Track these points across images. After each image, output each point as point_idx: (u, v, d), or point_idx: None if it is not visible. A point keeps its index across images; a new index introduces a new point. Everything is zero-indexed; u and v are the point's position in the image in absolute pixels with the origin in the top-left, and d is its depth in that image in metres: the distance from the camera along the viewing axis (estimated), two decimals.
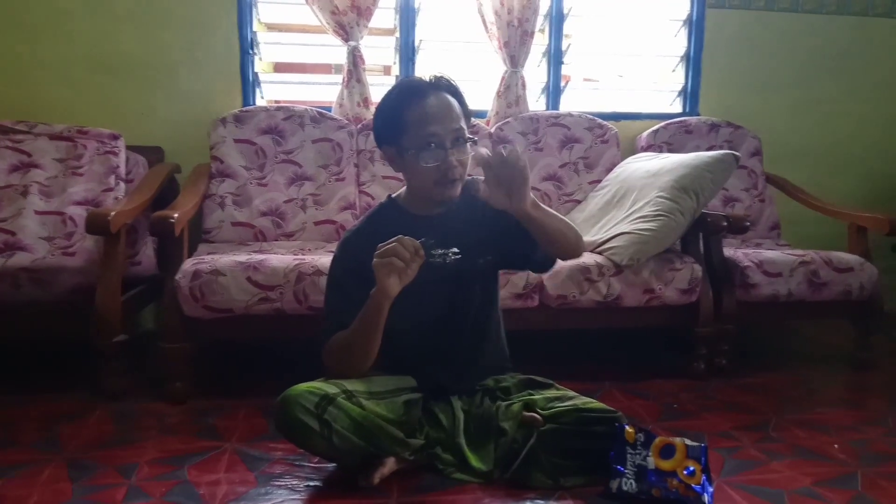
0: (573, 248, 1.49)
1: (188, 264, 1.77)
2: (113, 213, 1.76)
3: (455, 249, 1.32)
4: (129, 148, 2.31)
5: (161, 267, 2.22)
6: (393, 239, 1.28)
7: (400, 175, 2.33)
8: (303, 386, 1.30)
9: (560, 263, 1.88)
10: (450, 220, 1.48)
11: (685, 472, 1.30)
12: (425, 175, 1.39)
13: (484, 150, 1.33)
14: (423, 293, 1.39)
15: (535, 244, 1.47)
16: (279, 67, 2.74)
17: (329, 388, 1.30)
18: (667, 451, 1.33)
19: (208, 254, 1.94)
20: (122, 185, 2.20)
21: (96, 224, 1.75)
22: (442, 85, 1.40)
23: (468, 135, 1.40)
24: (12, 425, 1.65)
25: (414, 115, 1.37)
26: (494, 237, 1.50)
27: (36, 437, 1.59)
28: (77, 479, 1.38)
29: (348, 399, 1.30)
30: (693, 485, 1.28)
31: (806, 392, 2.03)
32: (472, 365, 1.55)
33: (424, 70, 2.62)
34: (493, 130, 2.56)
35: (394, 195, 1.56)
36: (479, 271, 1.52)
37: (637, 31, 2.84)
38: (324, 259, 1.81)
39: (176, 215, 1.79)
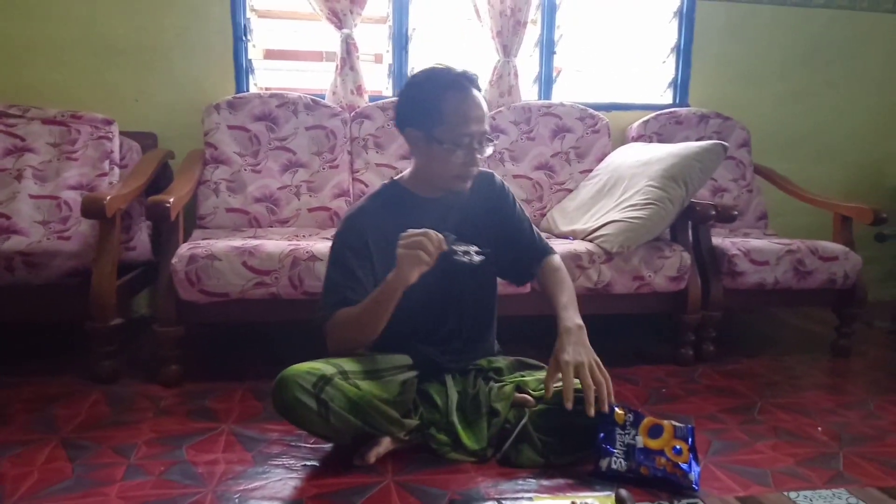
0: None
1: (184, 249, 1.78)
2: (109, 198, 1.77)
3: (477, 248, 1.35)
4: (123, 133, 2.31)
5: (156, 252, 2.22)
6: (419, 231, 1.29)
7: (393, 164, 2.42)
8: (300, 366, 1.32)
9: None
10: (453, 205, 1.52)
11: (673, 451, 1.33)
12: (449, 167, 1.42)
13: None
14: (425, 275, 1.43)
15: (520, 259, 1.57)
16: (269, 55, 2.74)
17: (326, 368, 1.33)
18: (655, 431, 1.37)
19: (203, 239, 1.94)
20: (117, 170, 2.20)
21: (92, 208, 1.75)
22: (475, 82, 1.43)
23: (489, 136, 1.45)
24: (7, 407, 1.66)
25: (454, 109, 1.39)
26: (493, 233, 1.55)
27: (31, 419, 1.60)
28: (75, 459, 1.40)
29: (345, 379, 1.33)
30: (680, 463, 1.32)
31: (789, 377, 2.07)
32: (469, 346, 1.58)
33: (418, 58, 2.67)
34: None
35: (396, 177, 1.57)
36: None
37: (629, 22, 2.86)
38: (319, 245, 1.83)
39: (171, 200, 1.80)
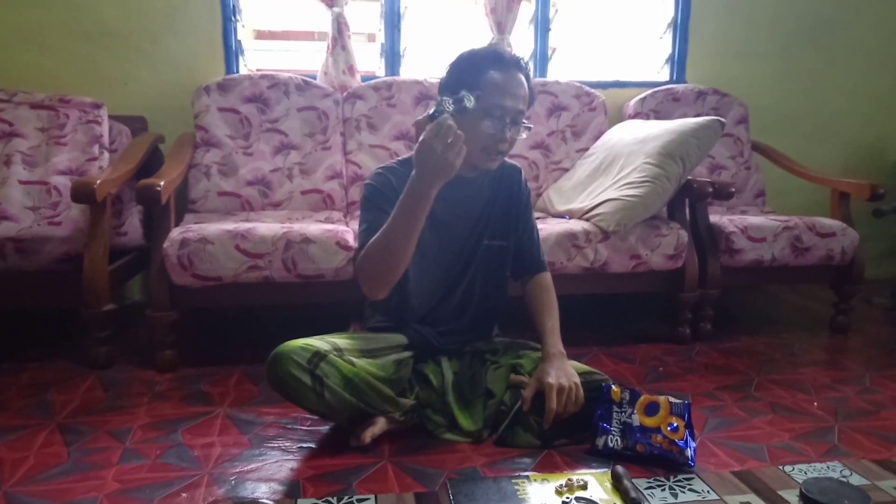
0: None
1: (176, 233, 1.76)
2: (98, 182, 1.75)
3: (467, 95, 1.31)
4: (112, 117, 2.28)
5: (147, 238, 2.21)
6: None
7: (386, 144, 2.40)
8: (295, 342, 1.31)
9: (548, 231, 1.92)
10: (479, 186, 1.53)
11: (669, 429, 1.33)
12: (478, 138, 1.41)
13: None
14: (436, 258, 1.47)
15: (522, 257, 1.60)
16: (260, 35, 2.70)
17: (321, 344, 1.32)
18: (651, 409, 1.37)
19: (195, 223, 1.93)
20: (106, 154, 2.18)
21: (82, 193, 1.73)
22: (523, 68, 1.45)
23: (526, 120, 1.45)
24: (3, 393, 1.66)
25: (493, 80, 1.40)
26: (507, 226, 1.57)
27: (27, 404, 1.60)
28: (72, 444, 1.39)
29: (339, 356, 1.32)
30: (677, 440, 1.32)
31: (786, 354, 2.07)
32: (469, 331, 1.58)
33: (410, 37, 2.63)
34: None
35: None
36: (488, 250, 1.56)
37: None
38: (312, 227, 1.81)
39: (162, 183, 1.78)
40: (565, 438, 1.40)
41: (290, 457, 1.35)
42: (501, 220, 1.57)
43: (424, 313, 1.52)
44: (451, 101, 1.27)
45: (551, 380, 1.37)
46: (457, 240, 1.52)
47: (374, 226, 1.38)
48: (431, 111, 1.28)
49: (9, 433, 1.43)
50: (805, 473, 1.28)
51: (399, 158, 1.56)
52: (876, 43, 3.03)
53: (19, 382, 1.73)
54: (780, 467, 1.31)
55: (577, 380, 1.39)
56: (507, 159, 1.58)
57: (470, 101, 1.31)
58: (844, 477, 1.27)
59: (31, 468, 1.29)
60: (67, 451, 1.36)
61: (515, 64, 1.44)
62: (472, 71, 1.42)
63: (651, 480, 1.25)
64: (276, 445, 1.40)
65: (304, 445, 1.40)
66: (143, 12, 2.41)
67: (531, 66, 2.75)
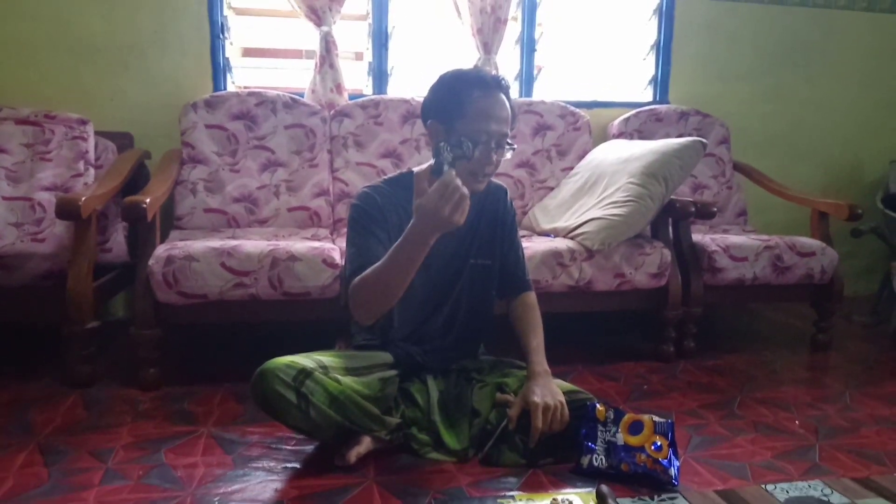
0: None
1: (161, 250, 1.75)
2: (84, 198, 1.74)
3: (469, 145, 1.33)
4: (98, 133, 2.27)
5: (132, 254, 2.19)
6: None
7: (373, 162, 2.41)
8: (280, 359, 1.31)
9: (533, 249, 1.94)
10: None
11: (653, 447, 1.34)
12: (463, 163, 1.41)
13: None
14: (422, 276, 1.44)
15: (508, 276, 1.61)
16: (248, 52, 2.71)
17: (306, 362, 1.32)
18: (635, 427, 1.38)
19: (181, 240, 1.92)
20: (92, 170, 2.17)
21: (67, 209, 1.72)
22: (504, 86, 1.45)
23: (510, 141, 1.45)
24: None
25: (476, 105, 1.40)
26: (492, 245, 1.58)
27: (7, 423, 1.57)
28: (52, 464, 1.37)
29: (325, 374, 1.32)
30: (660, 459, 1.33)
31: (768, 372, 2.10)
32: (454, 350, 1.58)
33: (398, 55, 2.66)
34: None
35: (414, 169, 1.56)
36: (474, 269, 1.56)
37: (609, 19, 2.87)
38: (298, 245, 1.82)
39: (148, 200, 1.77)
40: (550, 457, 1.41)
41: (275, 477, 1.34)
42: (487, 240, 1.58)
43: (410, 331, 1.53)
44: (449, 149, 1.29)
45: (537, 399, 1.38)
46: (443, 258, 1.52)
47: (362, 250, 1.40)
48: (433, 161, 1.31)
49: None
50: (787, 492, 1.29)
51: (386, 177, 1.57)
52: (854, 64, 3.11)
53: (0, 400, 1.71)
54: (763, 486, 1.32)
55: (563, 398, 1.40)
56: (492, 179, 1.60)
57: (469, 150, 1.33)
58: (825, 496, 1.28)
59: (10, 489, 1.27)
60: (48, 471, 1.34)
61: (497, 85, 1.44)
62: (454, 96, 1.42)
63: (635, 500, 1.26)
64: (260, 465, 1.39)
65: (289, 465, 1.39)
66: (131, 28, 2.42)
67: (516, 86, 2.81)
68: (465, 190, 1.22)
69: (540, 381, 1.43)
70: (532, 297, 1.64)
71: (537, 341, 1.54)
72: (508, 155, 1.47)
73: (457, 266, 1.55)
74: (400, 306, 1.48)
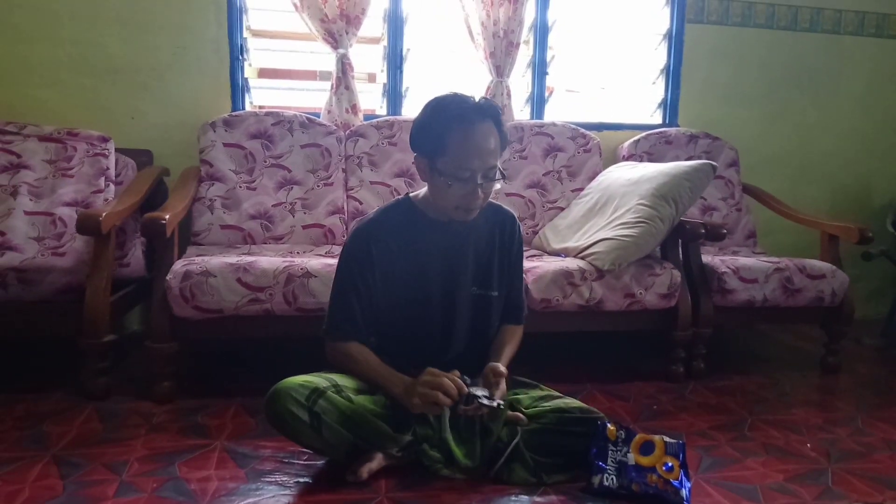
0: None
1: (178, 265, 1.78)
2: (104, 214, 1.77)
3: (500, 402, 1.38)
4: (118, 151, 2.32)
5: (150, 269, 2.23)
6: (446, 375, 1.36)
7: (387, 181, 2.45)
8: (293, 379, 1.33)
9: (544, 268, 1.96)
10: (463, 232, 1.53)
11: (664, 468, 1.35)
12: (449, 198, 1.42)
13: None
14: (428, 309, 1.49)
15: (505, 306, 1.62)
16: (263, 73, 2.77)
17: (319, 381, 1.34)
18: (646, 448, 1.38)
19: (198, 256, 1.95)
20: (112, 187, 2.22)
21: (87, 224, 1.76)
22: (489, 112, 1.40)
23: (500, 170, 1.43)
24: None
25: (456, 142, 1.37)
26: (503, 276, 1.59)
27: (22, 435, 1.59)
28: (67, 476, 1.39)
29: (338, 393, 1.34)
30: (671, 480, 1.33)
31: (779, 394, 2.09)
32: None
33: (412, 77, 2.71)
34: None
35: (411, 194, 1.57)
36: (475, 299, 1.57)
37: (619, 44, 2.92)
38: (313, 262, 1.84)
39: (167, 216, 1.81)
40: (561, 475, 1.41)
41: (287, 491, 1.35)
42: (491, 269, 1.57)
43: (412, 357, 1.52)
44: (463, 402, 1.36)
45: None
46: (443, 287, 1.52)
47: (338, 309, 1.48)
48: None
49: (3, 465, 1.43)
50: None
51: (381, 208, 1.57)
52: (861, 87, 3.14)
53: (14, 413, 1.72)
54: None
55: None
56: (503, 206, 1.61)
57: (480, 407, 1.36)
58: None
59: (25, 501, 1.28)
60: (62, 483, 1.36)
61: (479, 113, 1.38)
62: (435, 134, 1.39)
63: None
64: (272, 480, 1.40)
65: (301, 480, 1.40)
66: (152, 50, 2.48)
67: (528, 108, 2.84)
68: (444, 411, 1.35)
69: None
70: (520, 330, 1.65)
71: (508, 353, 1.57)
72: (498, 186, 1.45)
73: (458, 295, 1.54)
74: (399, 337, 1.51)
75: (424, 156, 1.44)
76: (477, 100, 1.42)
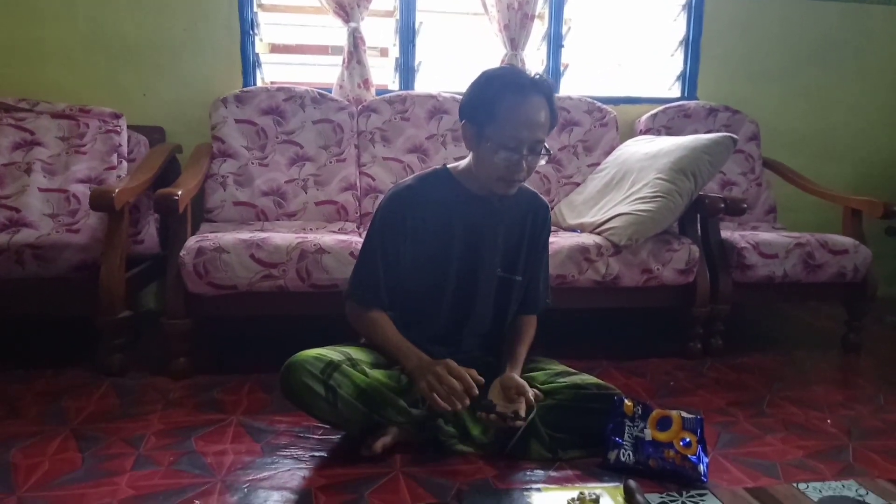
0: None
1: (192, 241, 1.78)
2: (117, 190, 1.77)
3: (521, 416, 1.35)
4: (131, 128, 2.32)
5: (163, 246, 2.23)
6: (461, 375, 1.34)
7: (400, 157, 2.42)
8: (308, 352, 1.33)
9: (560, 244, 1.93)
10: (498, 211, 1.52)
11: (681, 444, 1.33)
12: (493, 167, 1.41)
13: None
14: (448, 284, 1.48)
15: (526, 294, 1.60)
16: (275, 49, 2.74)
17: (334, 355, 1.34)
18: (664, 423, 1.36)
19: (211, 232, 1.95)
20: (125, 163, 2.21)
21: (100, 201, 1.76)
22: (543, 88, 1.40)
23: (546, 147, 1.42)
24: (19, 399, 1.67)
25: (507, 110, 1.36)
26: (520, 257, 1.56)
27: (41, 411, 1.61)
28: (86, 449, 1.40)
29: (353, 366, 1.33)
30: (689, 455, 1.31)
31: (798, 372, 2.06)
32: (480, 353, 1.58)
33: (424, 52, 2.66)
34: None
35: (450, 166, 1.55)
36: (499, 281, 1.55)
37: (637, 15, 2.85)
38: (326, 238, 1.83)
39: (180, 192, 1.80)
40: (577, 451, 1.40)
41: (302, 465, 1.36)
42: (518, 254, 1.56)
43: (432, 334, 1.53)
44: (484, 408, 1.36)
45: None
46: (468, 267, 1.51)
47: (365, 272, 1.48)
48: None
49: (23, 439, 1.45)
50: (820, 492, 1.27)
51: (418, 174, 1.56)
52: (884, 61, 3.04)
53: (34, 389, 1.74)
54: (795, 485, 1.30)
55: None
56: (539, 194, 1.59)
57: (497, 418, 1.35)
58: (860, 496, 1.26)
59: (45, 474, 1.30)
60: (81, 457, 1.37)
61: (533, 87, 1.38)
62: (486, 99, 1.39)
63: (664, 495, 1.25)
64: (288, 454, 1.40)
65: (317, 454, 1.41)
66: (164, 28, 2.46)
67: None
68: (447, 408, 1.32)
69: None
70: (535, 321, 1.63)
71: (523, 353, 1.54)
72: (543, 161, 1.44)
73: (480, 273, 1.53)
74: (421, 310, 1.49)
75: (474, 123, 1.42)
76: (533, 74, 1.42)
